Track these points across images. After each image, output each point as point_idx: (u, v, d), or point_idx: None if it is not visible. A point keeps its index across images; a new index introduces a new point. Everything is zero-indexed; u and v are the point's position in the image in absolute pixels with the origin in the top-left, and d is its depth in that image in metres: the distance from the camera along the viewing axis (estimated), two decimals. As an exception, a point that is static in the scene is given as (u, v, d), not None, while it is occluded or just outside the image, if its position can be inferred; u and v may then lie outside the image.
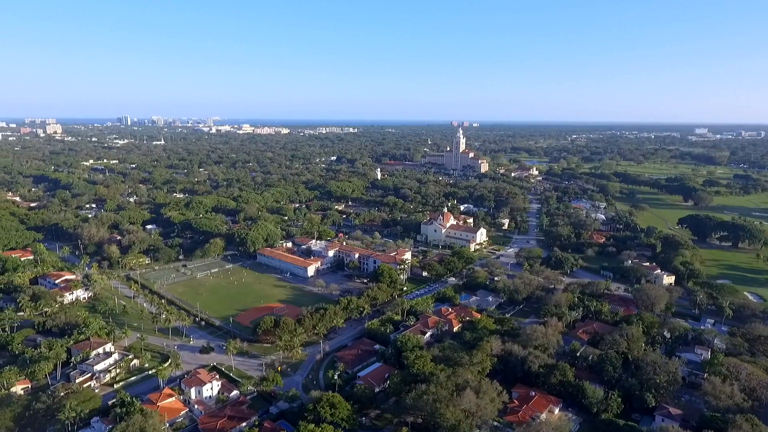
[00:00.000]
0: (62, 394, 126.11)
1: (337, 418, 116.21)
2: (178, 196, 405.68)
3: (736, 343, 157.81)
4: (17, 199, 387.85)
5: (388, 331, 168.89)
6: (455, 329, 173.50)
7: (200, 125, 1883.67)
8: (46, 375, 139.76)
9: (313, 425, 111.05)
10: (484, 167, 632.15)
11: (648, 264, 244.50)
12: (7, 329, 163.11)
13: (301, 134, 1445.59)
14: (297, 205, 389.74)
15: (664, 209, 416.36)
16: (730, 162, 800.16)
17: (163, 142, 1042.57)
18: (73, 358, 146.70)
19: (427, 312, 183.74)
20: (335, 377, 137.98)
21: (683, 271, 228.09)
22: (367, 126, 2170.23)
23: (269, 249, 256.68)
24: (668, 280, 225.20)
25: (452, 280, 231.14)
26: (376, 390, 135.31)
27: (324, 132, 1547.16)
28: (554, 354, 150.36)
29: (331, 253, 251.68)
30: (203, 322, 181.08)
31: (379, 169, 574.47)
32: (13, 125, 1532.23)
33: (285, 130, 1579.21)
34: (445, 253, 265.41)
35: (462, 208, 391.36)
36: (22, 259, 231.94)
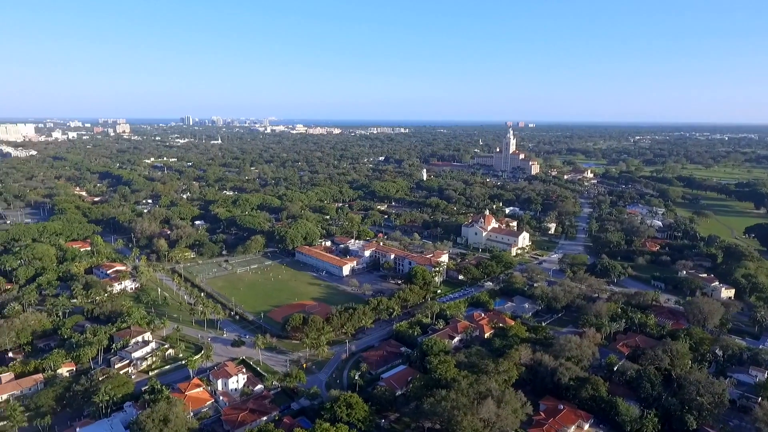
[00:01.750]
0: (100, 378, 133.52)
1: (353, 418, 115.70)
2: (227, 193, 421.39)
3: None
4: (83, 193, 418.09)
5: (415, 333, 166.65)
6: (486, 335, 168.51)
7: (257, 125, 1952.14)
8: (89, 359, 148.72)
9: (328, 424, 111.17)
10: (535, 169, 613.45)
11: (705, 275, 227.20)
12: (60, 314, 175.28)
13: (352, 134, 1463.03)
14: (340, 204, 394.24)
15: (731, 217, 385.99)
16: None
17: (219, 141, 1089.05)
18: (114, 345, 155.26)
19: (458, 316, 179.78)
20: (356, 377, 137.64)
21: (745, 284, 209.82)
22: (419, 126, 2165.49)
23: (307, 247, 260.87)
24: (727, 293, 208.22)
25: (489, 284, 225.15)
26: (398, 393, 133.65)
27: (375, 132, 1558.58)
28: (588, 367, 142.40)
29: (367, 253, 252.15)
30: (237, 316, 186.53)
31: (425, 170, 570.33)
32: (88, 125, 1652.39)
33: (337, 131, 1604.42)
34: (483, 256, 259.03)
35: (507, 210, 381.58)
36: (81, 249, 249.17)
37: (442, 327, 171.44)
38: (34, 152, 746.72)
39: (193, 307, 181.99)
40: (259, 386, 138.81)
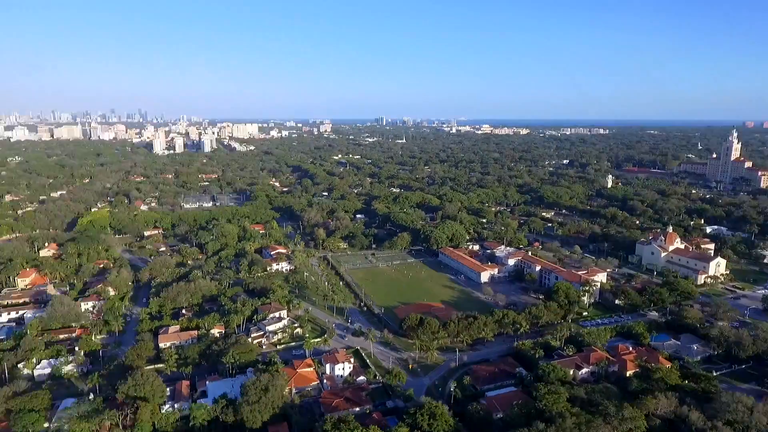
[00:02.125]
0: (235, 343, 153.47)
1: (434, 429, 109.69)
2: (394, 190, 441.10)
3: None
4: (276, 184, 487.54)
5: (537, 355, 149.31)
6: (628, 374, 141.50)
7: (444, 126, 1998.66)
8: (235, 325, 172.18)
9: (407, 429, 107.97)
10: (766, 181, 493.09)
11: None
12: (226, 284, 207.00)
13: (541, 135, 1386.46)
14: (501, 208, 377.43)
15: None
16: None
17: (404, 140, 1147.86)
18: (255, 317, 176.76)
19: (596, 345, 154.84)
20: (454, 389, 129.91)
21: None
22: (623, 127, 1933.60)
23: (450, 249, 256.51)
24: None
25: (653, 314, 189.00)
26: (497, 416, 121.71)
27: (567, 133, 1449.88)
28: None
29: (511, 262, 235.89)
30: (365, 308, 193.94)
31: (610, 177, 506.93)
32: (300, 125, 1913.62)
33: (524, 131, 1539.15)
34: (656, 281, 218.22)
35: (708, 230, 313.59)
36: (260, 232, 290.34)
37: (571, 353, 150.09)
38: (252, 147, 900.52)
39: (327, 294, 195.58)
40: (362, 378, 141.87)
